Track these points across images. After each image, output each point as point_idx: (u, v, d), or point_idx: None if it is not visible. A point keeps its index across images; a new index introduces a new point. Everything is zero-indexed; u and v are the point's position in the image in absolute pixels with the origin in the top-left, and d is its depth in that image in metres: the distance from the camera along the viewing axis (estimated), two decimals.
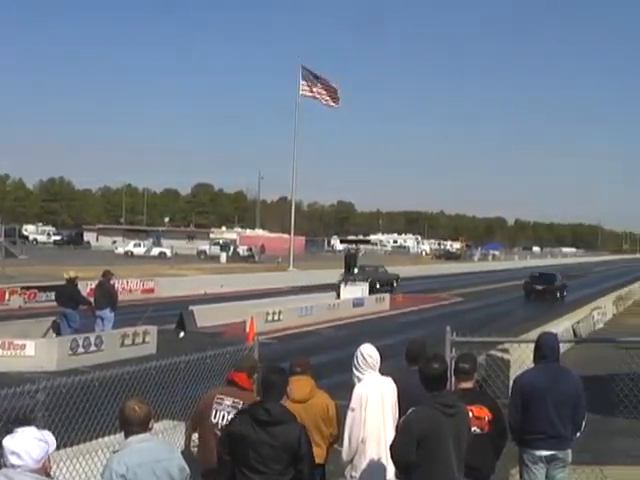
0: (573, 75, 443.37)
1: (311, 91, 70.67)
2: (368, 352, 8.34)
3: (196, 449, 8.20)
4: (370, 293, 46.23)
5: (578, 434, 8.66)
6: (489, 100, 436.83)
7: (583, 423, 8.63)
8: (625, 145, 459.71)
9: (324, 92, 71.22)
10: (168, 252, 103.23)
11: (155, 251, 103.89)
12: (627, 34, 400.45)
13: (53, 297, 27.22)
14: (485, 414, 8.09)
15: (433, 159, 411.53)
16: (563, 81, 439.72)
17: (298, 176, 76.75)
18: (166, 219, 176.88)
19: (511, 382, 9.08)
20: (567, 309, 37.07)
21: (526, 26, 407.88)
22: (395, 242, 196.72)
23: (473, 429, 7.69)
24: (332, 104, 72.29)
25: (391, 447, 7.14)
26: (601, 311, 36.59)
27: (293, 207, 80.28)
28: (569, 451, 8.58)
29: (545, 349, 8.62)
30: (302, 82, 70.31)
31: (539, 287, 55.43)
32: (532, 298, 53.96)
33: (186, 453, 7.82)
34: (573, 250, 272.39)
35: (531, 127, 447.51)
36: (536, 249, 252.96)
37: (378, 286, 56.31)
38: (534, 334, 10.84)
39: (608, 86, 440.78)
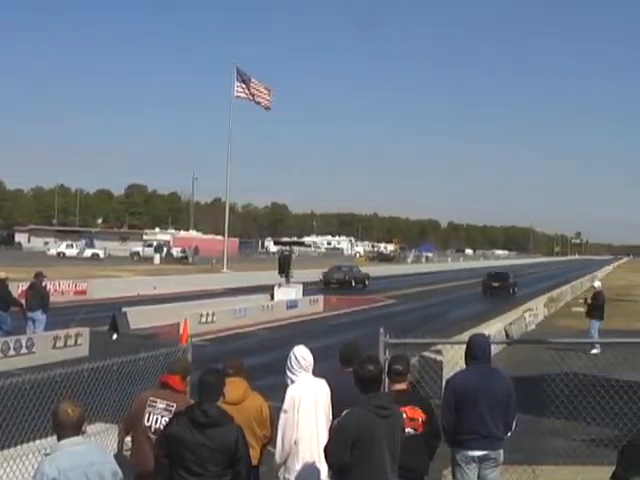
0: (506, 81, 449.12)
1: (245, 93, 70.58)
2: (301, 354, 8.35)
3: (129, 452, 8.14)
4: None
5: (509, 434, 8.74)
6: (423, 102, 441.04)
7: (514, 423, 8.72)
8: (558, 150, 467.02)
9: (258, 94, 71.23)
10: (101, 253, 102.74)
11: (88, 252, 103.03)
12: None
13: None
14: (419, 415, 8.14)
15: (367, 161, 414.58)
16: (498, 86, 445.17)
17: (232, 178, 76.93)
18: (99, 220, 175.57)
19: (444, 383, 9.15)
20: (499, 312, 37.35)
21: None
22: (329, 244, 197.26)
23: (407, 430, 7.72)
24: (265, 106, 72.35)
25: (325, 449, 7.14)
26: (533, 313, 37.02)
27: (227, 208, 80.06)
28: (501, 451, 8.66)
29: (476, 350, 8.68)
30: (237, 83, 70.17)
31: (495, 284, 62.50)
32: (489, 294, 60.32)
33: (119, 456, 7.77)
34: (506, 252, 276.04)
35: (464, 131, 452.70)
36: (469, 251, 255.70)
37: (354, 284, 64.41)
38: (466, 336, 10.95)
39: (543, 88, 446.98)
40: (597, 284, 30.30)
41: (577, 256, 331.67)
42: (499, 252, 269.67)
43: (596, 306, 28.30)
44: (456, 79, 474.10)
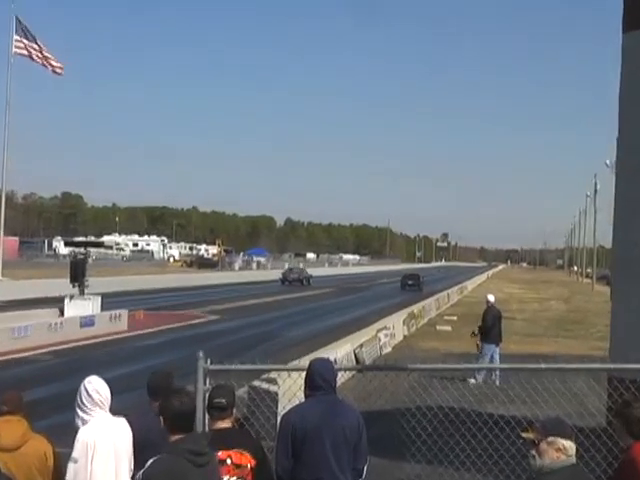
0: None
1: (28, 50, 69.03)
2: (95, 387, 8.14)
3: None
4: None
5: None
6: (248, 88, 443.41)
7: (365, 468, 8.74)
8: (420, 137, 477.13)
9: (45, 55, 69.81)
10: None
11: None
12: None
13: None
14: (247, 461, 8.09)
15: (184, 147, 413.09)
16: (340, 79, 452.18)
17: (11, 161, 75.22)
18: None
19: (279, 419, 9.13)
20: (348, 331, 37.68)
21: None
22: (136, 245, 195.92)
23: None
24: (56, 71, 71.04)
25: None
26: (389, 332, 37.41)
27: (3, 199, 78.47)
28: None
29: (318, 378, 8.65)
30: (16, 37, 68.51)
31: (410, 282, 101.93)
32: (406, 289, 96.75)
33: None
34: (356, 257, 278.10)
35: (304, 120, 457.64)
36: (311, 255, 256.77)
37: (304, 283, 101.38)
38: (307, 360, 10.97)
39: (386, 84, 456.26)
40: (491, 298, 29.91)
41: (443, 262, 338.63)
42: (348, 257, 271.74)
43: (491, 325, 28.33)
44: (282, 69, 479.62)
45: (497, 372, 25.67)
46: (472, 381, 25.84)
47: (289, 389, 13.11)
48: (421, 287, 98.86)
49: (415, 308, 51.78)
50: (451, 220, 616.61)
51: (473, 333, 28.85)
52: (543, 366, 11.65)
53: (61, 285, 50.09)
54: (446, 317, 54.50)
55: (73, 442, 7.99)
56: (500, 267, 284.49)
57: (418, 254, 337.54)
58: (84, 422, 8.06)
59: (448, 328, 46.29)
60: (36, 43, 69.22)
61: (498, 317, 29.08)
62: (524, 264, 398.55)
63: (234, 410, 8.40)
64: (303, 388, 8.84)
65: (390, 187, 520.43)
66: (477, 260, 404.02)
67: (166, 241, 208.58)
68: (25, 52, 68.90)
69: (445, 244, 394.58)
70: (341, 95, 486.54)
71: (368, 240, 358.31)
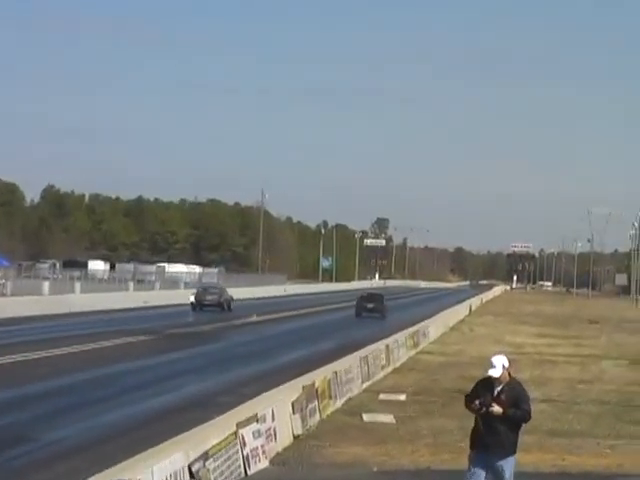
0: None
1: None
2: None
3: None
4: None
5: None
6: None
7: None
8: None
9: None
10: None
11: None
12: None
13: None
14: None
15: None
16: None
17: None
18: None
19: None
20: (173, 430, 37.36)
21: None
22: None
23: None
24: None
25: None
26: (263, 428, 36.89)
27: None
28: None
29: None
30: None
31: (370, 305, 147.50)
32: (362, 316, 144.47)
33: None
34: (194, 270, 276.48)
35: None
36: (99, 266, 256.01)
37: (225, 307, 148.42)
38: None
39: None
40: (504, 361, 27.74)
41: (377, 280, 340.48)
42: (178, 268, 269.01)
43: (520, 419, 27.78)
44: None
45: None
46: None
47: None
48: (384, 313, 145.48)
49: (317, 378, 48.88)
50: (395, 196, 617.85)
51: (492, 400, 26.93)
52: None
53: None
54: (384, 395, 54.72)
55: None
56: (497, 289, 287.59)
57: (325, 263, 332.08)
58: None
59: (388, 418, 46.45)
60: None
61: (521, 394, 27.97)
62: (547, 284, 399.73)
63: None
64: None
65: (267, 127, 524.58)
66: (449, 276, 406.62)
67: None
68: None
69: (382, 242, 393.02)
70: None
71: (220, 233, 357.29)
